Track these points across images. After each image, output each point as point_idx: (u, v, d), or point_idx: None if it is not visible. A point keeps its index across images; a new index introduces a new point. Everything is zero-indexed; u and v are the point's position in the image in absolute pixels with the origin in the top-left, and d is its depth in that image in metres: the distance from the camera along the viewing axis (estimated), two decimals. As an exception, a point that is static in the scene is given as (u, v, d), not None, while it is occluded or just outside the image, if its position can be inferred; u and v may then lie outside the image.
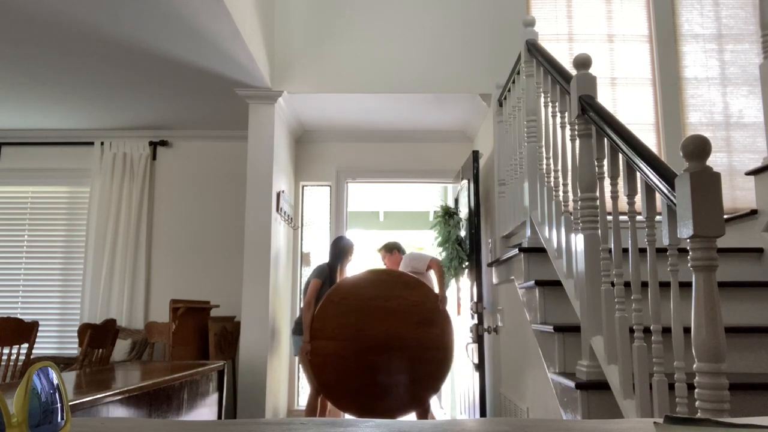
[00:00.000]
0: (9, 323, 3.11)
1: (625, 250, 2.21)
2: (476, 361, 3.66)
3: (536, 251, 2.66)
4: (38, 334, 4.48)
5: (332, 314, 4.06)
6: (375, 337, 4.06)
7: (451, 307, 4.69)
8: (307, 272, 5.03)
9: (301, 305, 4.26)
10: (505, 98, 3.60)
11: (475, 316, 3.67)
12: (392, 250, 4.63)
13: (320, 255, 5.04)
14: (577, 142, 2.10)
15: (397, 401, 4.12)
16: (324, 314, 4.05)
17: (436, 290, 4.18)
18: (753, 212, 2.70)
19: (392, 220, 8.90)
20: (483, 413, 3.59)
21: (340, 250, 4.28)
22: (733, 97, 4.07)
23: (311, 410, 4.08)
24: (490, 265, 3.67)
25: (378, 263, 4.80)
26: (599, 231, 1.96)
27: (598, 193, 2.01)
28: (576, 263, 2.09)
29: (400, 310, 4.13)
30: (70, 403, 1.51)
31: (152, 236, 5.00)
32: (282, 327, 4.52)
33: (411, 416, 4.84)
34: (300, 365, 4.18)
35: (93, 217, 4.89)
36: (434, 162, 5.07)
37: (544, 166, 2.73)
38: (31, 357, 3.57)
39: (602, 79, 4.05)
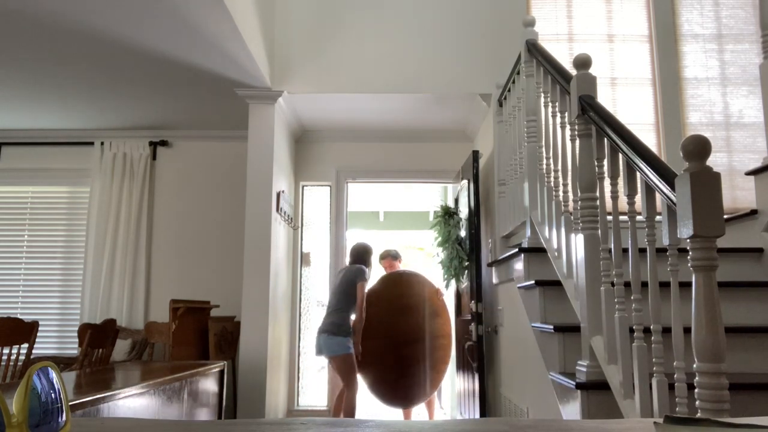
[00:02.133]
0: (9, 323, 3.11)
1: (625, 250, 2.21)
2: (476, 361, 3.66)
3: (536, 251, 2.66)
4: (38, 334, 4.48)
5: (372, 315, 4.54)
6: (403, 332, 4.60)
7: (451, 308, 4.74)
8: (307, 272, 5.03)
9: (324, 304, 4.61)
10: (505, 98, 3.60)
11: (475, 316, 3.67)
12: (398, 257, 5.01)
13: (320, 255, 5.04)
14: (577, 142, 2.10)
15: (423, 387, 4.63)
16: (366, 316, 4.49)
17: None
18: (753, 212, 2.70)
19: (392, 220, 8.90)
20: (483, 413, 3.59)
21: (367, 254, 4.55)
22: (733, 97, 4.07)
23: (352, 410, 4.24)
24: (490, 265, 3.67)
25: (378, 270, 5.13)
26: (599, 231, 1.96)
27: (598, 193, 2.01)
28: (576, 263, 2.09)
29: (416, 305, 4.68)
30: (70, 403, 1.51)
31: (152, 236, 5.00)
32: (282, 327, 4.52)
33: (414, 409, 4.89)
34: (331, 364, 4.29)
35: (93, 217, 4.89)
36: (434, 162, 5.07)
37: (544, 166, 2.73)
38: (31, 357, 3.57)
39: (602, 79, 4.05)
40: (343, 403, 4.25)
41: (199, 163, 5.10)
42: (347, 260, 4.73)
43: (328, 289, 4.84)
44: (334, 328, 4.22)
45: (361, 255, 4.48)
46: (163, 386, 2.13)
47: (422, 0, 4.21)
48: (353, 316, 4.36)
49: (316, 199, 5.15)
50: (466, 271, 4.04)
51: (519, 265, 2.78)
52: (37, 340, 4.11)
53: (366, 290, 4.42)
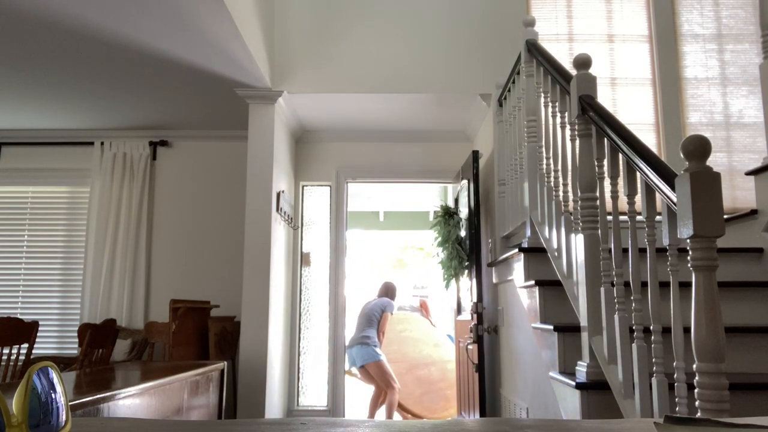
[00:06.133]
0: (9, 323, 3.11)
1: (625, 250, 2.21)
2: (476, 361, 3.66)
3: (536, 251, 2.66)
4: (38, 334, 4.48)
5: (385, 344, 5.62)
6: (414, 358, 5.78)
7: (450, 308, 4.74)
8: (307, 272, 5.04)
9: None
10: (505, 98, 3.60)
11: (475, 316, 3.67)
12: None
13: (320, 255, 5.04)
14: (577, 142, 2.10)
15: (441, 401, 5.55)
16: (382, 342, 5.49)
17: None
18: (753, 212, 2.70)
19: (392, 220, 8.90)
20: (483, 413, 3.59)
21: (395, 291, 5.59)
22: (733, 97, 4.06)
23: (393, 408, 5.20)
24: (490, 265, 3.67)
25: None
26: (599, 231, 1.96)
27: (598, 193, 2.01)
28: (576, 263, 2.09)
29: (418, 337, 5.92)
30: (70, 403, 1.51)
31: (152, 236, 5.00)
32: (282, 327, 4.52)
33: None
34: (367, 371, 5.20)
35: (93, 217, 4.89)
36: (434, 162, 5.07)
37: (544, 166, 2.73)
38: (31, 357, 3.57)
39: (602, 79, 4.05)
40: (378, 405, 5.09)
41: (199, 163, 5.10)
42: (376, 293, 5.73)
43: (358, 315, 5.56)
44: (364, 340, 5.13)
45: (392, 291, 5.53)
46: (163, 386, 2.13)
47: (422, 0, 4.20)
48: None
49: (316, 199, 5.15)
50: (466, 271, 4.04)
51: (519, 265, 2.78)
52: (37, 340, 4.11)
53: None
